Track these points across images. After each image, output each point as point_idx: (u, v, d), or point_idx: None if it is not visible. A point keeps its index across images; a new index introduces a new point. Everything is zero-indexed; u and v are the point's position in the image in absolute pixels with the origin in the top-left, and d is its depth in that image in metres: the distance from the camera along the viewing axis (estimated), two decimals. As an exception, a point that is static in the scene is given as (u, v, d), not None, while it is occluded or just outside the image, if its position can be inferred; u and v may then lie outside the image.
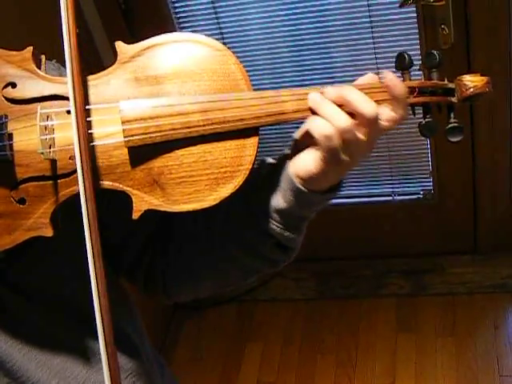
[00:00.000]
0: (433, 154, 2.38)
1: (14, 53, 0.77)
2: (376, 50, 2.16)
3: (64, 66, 0.82)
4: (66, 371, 0.87)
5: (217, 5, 2.16)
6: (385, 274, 2.65)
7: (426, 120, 0.82)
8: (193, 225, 0.92)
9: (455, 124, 0.82)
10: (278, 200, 0.83)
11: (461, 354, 2.30)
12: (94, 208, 0.71)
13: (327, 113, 0.76)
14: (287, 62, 2.28)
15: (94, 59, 2.03)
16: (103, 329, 0.72)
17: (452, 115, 0.83)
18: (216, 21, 2.19)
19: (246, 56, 2.21)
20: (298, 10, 2.15)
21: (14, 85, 0.76)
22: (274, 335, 2.57)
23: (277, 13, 2.16)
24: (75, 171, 0.72)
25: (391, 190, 2.54)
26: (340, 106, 0.77)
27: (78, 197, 0.72)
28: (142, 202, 0.76)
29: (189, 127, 0.75)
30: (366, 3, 2.07)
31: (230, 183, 0.76)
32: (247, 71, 0.78)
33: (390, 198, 2.55)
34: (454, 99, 0.83)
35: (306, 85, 0.82)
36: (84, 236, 0.72)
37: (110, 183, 0.76)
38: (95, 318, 0.72)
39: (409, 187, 2.53)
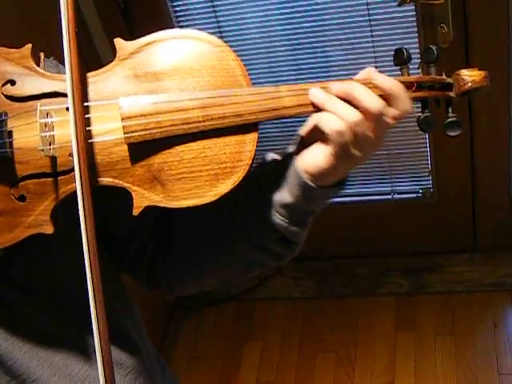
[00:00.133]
0: (432, 153, 2.38)
1: (13, 50, 0.77)
2: (375, 49, 2.16)
3: (62, 63, 0.82)
4: (67, 369, 0.87)
5: (215, 4, 2.17)
6: (384, 273, 2.65)
7: (425, 115, 0.83)
8: (196, 220, 0.92)
9: (453, 118, 0.83)
10: (285, 195, 0.83)
11: (460, 353, 2.30)
12: (91, 205, 0.71)
13: (337, 108, 0.77)
14: (285, 61, 2.28)
15: (93, 58, 2.03)
16: (97, 321, 0.72)
17: (450, 110, 0.84)
18: (215, 20, 2.20)
19: (244, 54, 2.22)
20: (296, 9, 2.15)
21: (13, 82, 0.76)
22: (273, 334, 2.57)
23: (275, 11, 2.17)
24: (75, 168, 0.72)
25: (390, 188, 2.54)
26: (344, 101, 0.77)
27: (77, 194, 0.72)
28: (143, 198, 0.76)
29: (188, 123, 0.75)
30: (364, 1, 2.07)
31: (229, 179, 0.76)
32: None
33: (389, 196, 2.55)
34: (452, 94, 0.84)
35: (304, 83, 0.82)
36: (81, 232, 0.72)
37: (110, 180, 0.76)
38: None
39: (408, 186, 2.53)
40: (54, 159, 0.75)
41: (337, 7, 2.11)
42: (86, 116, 0.74)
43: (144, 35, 0.78)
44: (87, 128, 0.74)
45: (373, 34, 2.13)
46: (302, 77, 2.30)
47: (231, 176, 0.76)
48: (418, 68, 0.85)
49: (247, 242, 0.88)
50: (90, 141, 0.74)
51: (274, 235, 0.86)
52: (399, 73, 0.83)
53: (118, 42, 0.78)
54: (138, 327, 1.02)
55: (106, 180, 0.76)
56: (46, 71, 0.78)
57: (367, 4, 2.07)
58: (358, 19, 2.12)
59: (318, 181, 0.81)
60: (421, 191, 2.51)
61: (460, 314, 2.44)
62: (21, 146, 0.75)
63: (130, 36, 0.78)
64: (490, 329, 2.36)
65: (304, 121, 0.84)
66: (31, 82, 0.76)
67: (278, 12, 2.17)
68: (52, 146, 0.74)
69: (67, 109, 0.75)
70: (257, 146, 0.77)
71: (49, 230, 0.76)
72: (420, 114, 0.83)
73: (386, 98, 0.78)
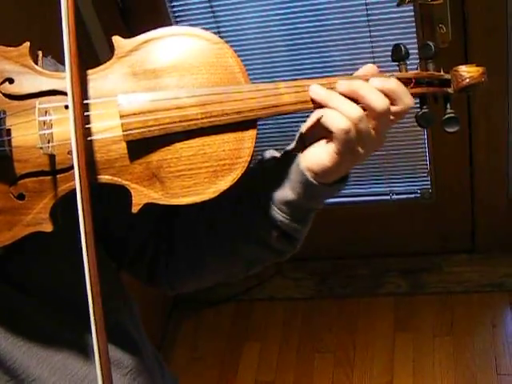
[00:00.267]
0: (430, 153, 2.38)
1: (11, 49, 0.77)
2: (373, 49, 2.16)
3: (60, 62, 0.82)
4: (66, 368, 0.87)
5: (214, 4, 2.17)
6: (383, 273, 2.65)
7: (423, 111, 0.83)
8: (197, 218, 0.92)
9: (452, 114, 0.83)
10: (287, 192, 0.83)
11: (459, 353, 2.30)
12: (89, 203, 0.71)
13: (340, 106, 0.77)
14: (283, 61, 2.28)
15: (92, 58, 2.03)
16: (94, 317, 0.72)
17: (448, 106, 0.84)
18: (214, 19, 2.20)
19: (242, 54, 2.22)
20: (294, 8, 2.14)
21: (11, 80, 0.76)
22: (271, 334, 2.56)
23: (274, 10, 2.16)
24: (73, 166, 0.72)
25: (389, 189, 2.54)
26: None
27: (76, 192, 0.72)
28: (141, 195, 0.76)
29: (187, 120, 0.75)
30: (363, 1, 2.06)
31: (228, 176, 0.76)
32: (243, 67, 0.78)
33: (388, 197, 2.55)
34: (450, 90, 0.84)
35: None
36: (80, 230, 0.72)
37: (109, 177, 0.76)
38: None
39: (406, 186, 2.53)
40: (52, 157, 0.75)
41: (335, 7, 2.11)
42: (85, 114, 0.74)
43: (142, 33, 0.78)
44: (86, 126, 0.74)
45: (371, 34, 2.13)
46: (299, 77, 2.29)
47: (230, 173, 0.76)
48: (417, 68, 0.85)
49: (248, 239, 0.88)
50: (88, 138, 0.74)
51: (275, 232, 0.86)
52: (397, 69, 0.84)
53: (116, 39, 0.78)
54: (137, 327, 1.02)
55: (104, 178, 0.76)
56: (44, 69, 0.78)
57: (366, 4, 2.07)
58: (356, 19, 2.12)
59: (321, 178, 0.81)
60: (419, 192, 2.51)
61: (459, 315, 2.44)
62: (19, 144, 0.75)
63: (128, 35, 0.78)
64: (489, 329, 2.35)
65: (302, 117, 0.85)
66: (29, 80, 0.76)
67: (276, 11, 2.17)
68: (51, 144, 0.74)
69: (66, 107, 0.75)
70: (255, 143, 0.77)
71: (48, 228, 0.76)
72: (418, 111, 0.83)
73: (388, 96, 0.79)
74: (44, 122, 0.74)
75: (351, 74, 0.83)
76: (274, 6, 2.16)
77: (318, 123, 0.79)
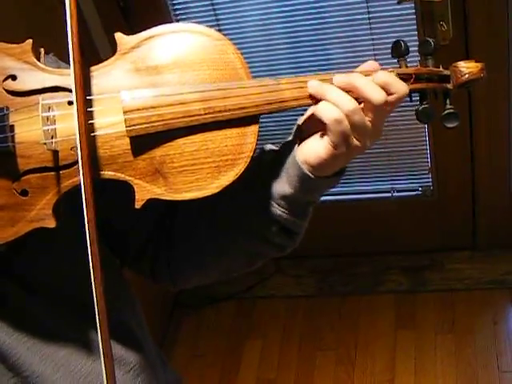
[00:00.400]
0: (432, 151, 2.38)
1: (14, 46, 0.77)
2: (374, 47, 2.16)
3: (62, 59, 0.82)
4: (70, 364, 0.87)
5: (215, 1, 2.17)
6: (384, 271, 2.65)
7: (423, 106, 0.83)
8: (198, 214, 0.92)
9: (451, 110, 0.83)
10: (284, 186, 0.83)
11: (460, 351, 2.30)
12: (93, 198, 0.72)
13: (333, 97, 0.77)
14: (284, 58, 2.28)
15: (93, 56, 2.03)
16: (98, 313, 0.72)
17: (448, 101, 0.84)
18: (214, 17, 2.20)
19: (243, 52, 2.20)
20: (295, 6, 2.14)
21: (14, 77, 0.76)
22: (273, 332, 2.56)
23: (274, 7, 2.16)
24: (77, 162, 0.72)
25: (390, 186, 2.54)
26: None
27: (79, 188, 0.72)
28: (145, 191, 0.76)
29: (190, 116, 0.75)
30: (364, -1, 2.07)
31: (231, 171, 0.77)
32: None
33: (389, 194, 2.55)
34: (449, 86, 0.84)
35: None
36: (83, 226, 0.72)
37: (112, 173, 0.76)
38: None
39: (408, 184, 2.52)
40: (56, 153, 0.75)
41: (336, 5, 2.11)
42: (89, 109, 0.74)
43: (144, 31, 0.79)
44: (89, 121, 0.74)
45: (372, 31, 2.13)
46: (301, 74, 2.29)
47: (233, 168, 0.77)
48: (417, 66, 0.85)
49: (248, 234, 0.89)
50: (92, 134, 0.75)
51: (275, 226, 0.86)
52: (397, 65, 0.84)
53: (119, 36, 0.78)
54: (140, 324, 1.02)
55: (107, 173, 0.76)
56: (47, 66, 0.78)
57: (367, 1, 2.07)
58: (357, 17, 2.12)
59: (318, 171, 0.81)
60: (420, 189, 2.51)
61: (460, 312, 2.44)
62: (23, 140, 0.75)
63: (129, 33, 0.79)
64: (490, 327, 2.35)
65: (303, 112, 0.85)
66: (32, 77, 0.77)
67: (277, 8, 2.16)
68: (54, 140, 0.74)
69: (69, 103, 0.75)
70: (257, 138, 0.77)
71: (51, 224, 0.76)
72: (418, 106, 0.83)
73: (383, 88, 0.79)
74: (47, 118, 0.74)
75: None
76: (275, 3, 2.15)
77: (314, 116, 0.80)
